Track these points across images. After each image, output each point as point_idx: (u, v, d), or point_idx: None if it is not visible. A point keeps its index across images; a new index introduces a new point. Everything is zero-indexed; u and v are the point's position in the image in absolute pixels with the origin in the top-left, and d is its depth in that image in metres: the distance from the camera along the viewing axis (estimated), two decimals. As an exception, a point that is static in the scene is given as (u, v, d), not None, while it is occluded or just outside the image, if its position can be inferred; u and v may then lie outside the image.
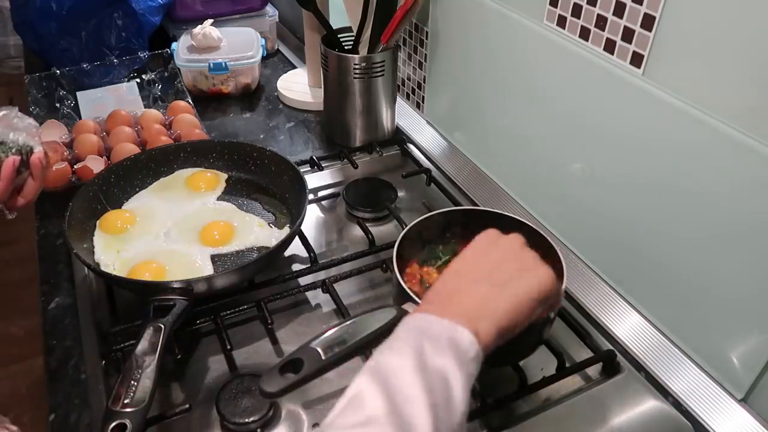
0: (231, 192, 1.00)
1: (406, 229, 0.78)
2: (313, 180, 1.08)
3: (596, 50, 0.77)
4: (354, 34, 1.13)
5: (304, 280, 0.89)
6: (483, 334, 0.50)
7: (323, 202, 1.05)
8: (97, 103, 1.30)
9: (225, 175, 1.03)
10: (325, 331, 0.60)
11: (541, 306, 0.55)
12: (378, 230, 0.98)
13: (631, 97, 0.74)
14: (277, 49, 1.60)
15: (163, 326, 0.70)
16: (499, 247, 0.58)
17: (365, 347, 0.62)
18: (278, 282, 0.87)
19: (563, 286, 0.69)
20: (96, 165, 1.05)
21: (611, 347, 0.79)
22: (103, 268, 0.84)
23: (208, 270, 0.86)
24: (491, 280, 0.54)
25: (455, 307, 0.51)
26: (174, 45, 1.40)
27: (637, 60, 0.72)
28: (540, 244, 0.75)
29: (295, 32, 1.65)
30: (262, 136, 1.26)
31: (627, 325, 0.81)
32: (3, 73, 1.81)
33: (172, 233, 0.91)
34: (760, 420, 0.69)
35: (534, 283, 0.55)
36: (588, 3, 0.76)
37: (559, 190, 0.91)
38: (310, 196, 0.99)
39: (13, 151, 0.80)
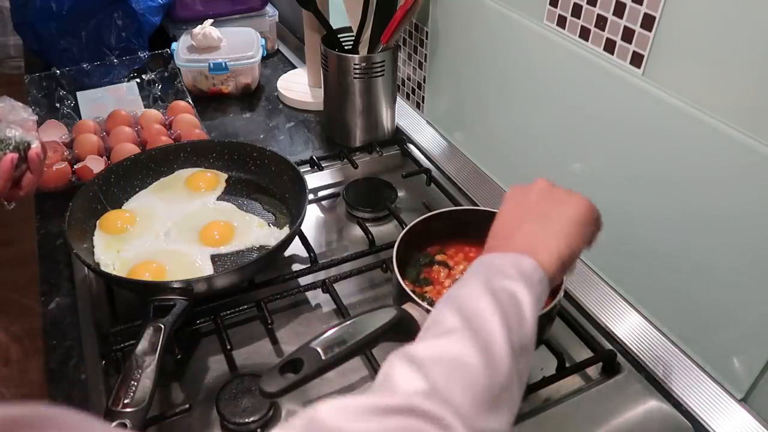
0: (231, 192, 1.00)
1: (406, 229, 0.78)
2: (313, 180, 1.08)
3: (596, 50, 0.77)
4: (354, 34, 1.13)
5: (304, 280, 0.89)
6: (544, 261, 0.53)
7: (323, 202, 1.05)
8: (97, 103, 1.30)
9: (225, 175, 1.03)
10: (325, 331, 0.60)
11: (589, 228, 0.58)
12: (378, 230, 0.98)
13: (631, 97, 0.74)
14: (277, 49, 1.60)
15: (163, 326, 0.70)
16: (530, 193, 0.61)
17: (365, 347, 0.62)
18: (278, 282, 0.87)
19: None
20: (96, 165, 1.05)
21: (611, 347, 0.79)
22: (103, 268, 0.83)
23: (208, 270, 0.86)
24: (533, 218, 0.57)
25: (512, 246, 0.55)
26: (174, 45, 1.40)
27: (637, 60, 0.72)
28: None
29: (295, 32, 1.65)
30: (262, 136, 1.26)
31: (627, 325, 0.81)
32: (3, 73, 1.81)
33: (172, 233, 0.91)
34: (760, 420, 0.69)
35: (572, 210, 0.58)
36: (588, 3, 0.76)
37: (559, 190, 0.91)
38: (310, 196, 0.99)
39: (11, 147, 0.80)
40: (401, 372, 0.43)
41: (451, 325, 0.46)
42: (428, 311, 0.66)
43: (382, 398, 0.40)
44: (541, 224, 0.56)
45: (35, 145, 0.82)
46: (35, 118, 0.86)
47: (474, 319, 0.46)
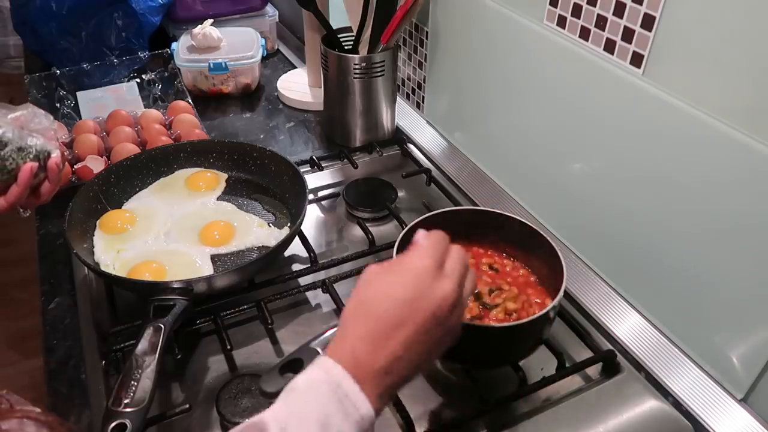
0: (231, 192, 1.00)
1: (406, 229, 0.78)
2: (313, 180, 1.08)
3: (596, 50, 0.77)
4: (354, 34, 1.13)
5: (304, 280, 0.89)
6: (381, 409, 0.50)
7: (323, 202, 1.05)
8: (97, 103, 1.30)
9: (225, 175, 1.03)
10: (325, 331, 0.60)
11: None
12: (378, 230, 0.98)
13: (631, 97, 0.74)
14: (277, 49, 1.60)
15: (163, 326, 0.70)
16: (436, 299, 0.51)
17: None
18: (278, 282, 0.87)
19: (563, 287, 0.69)
20: (96, 165, 1.05)
21: (611, 347, 0.79)
22: (103, 268, 0.83)
23: (208, 270, 0.86)
24: (415, 348, 0.50)
25: (376, 381, 0.49)
26: (174, 45, 1.40)
27: (637, 60, 0.72)
28: (540, 244, 0.75)
29: (295, 32, 1.65)
30: (262, 136, 1.26)
31: (627, 325, 0.81)
32: (3, 73, 1.81)
33: (172, 233, 0.91)
34: (760, 420, 0.69)
35: (446, 346, 0.54)
36: (588, 3, 0.76)
37: (559, 190, 0.91)
38: (310, 196, 0.99)
39: (31, 156, 0.79)
40: None
41: None
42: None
43: None
44: (414, 366, 0.51)
45: (55, 155, 0.82)
46: (56, 126, 0.86)
47: None
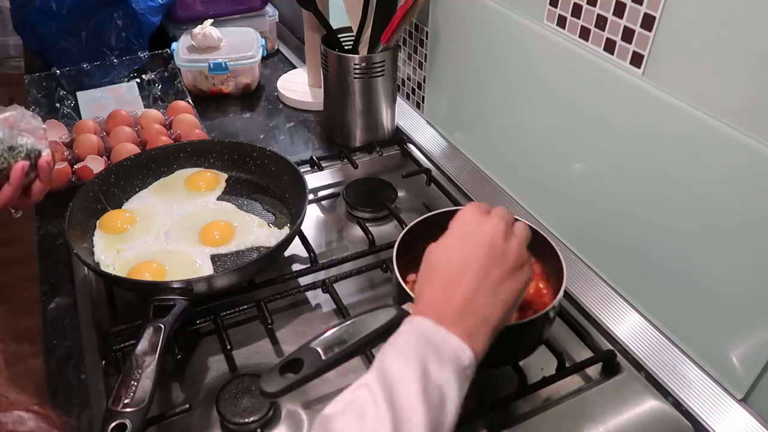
0: (231, 192, 1.00)
1: (406, 229, 0.78)
2: (313, 180, 1.08)
3: (596, 50, 0.77)
4: (354, 34, 1.13)
5: (304, 280, 0.89)
6: (480, 349, 0.53)
7: (323, 202, 1.05)
8: (97, 103, 1.30)
9: (225, 175, 1.03)
10: (325, 331, 0.60)
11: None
12: (378, 230, 0.98)
13: (631, 97, 0.74)
14: (277, 49, 1.60)
15: (163, 326, 0.70)
16: (486, 234, 0.57)
17: (365, 347, 0.61)
18: (278, 282, 0.87)
19: (563, 287, 0.69)
20: (96, 165, 1.05)
21: (611, 347, 0.79)
22: (103, 268, 0.83)
23: (208, 270, 0.86)
24: (486, 285, 0.55)
25: (459, 321, 0.53)
26: (174, 45, 1.40)
27: (637, 60, 0.72)
28: (540, 244, 0.75)
29: (295, 32, 1.65)
30: (262, 136, 1.26)
31: (627, 325, 0.81)
32: (3, 73, 1.80)
33: (172, 233, 0.91)
34: (760, 420, 0.69)
35: (521, 286, 0.57)
36: (588, 3, 0.76)
37: (559, 190, 0.91)
38: (310, 196, 0.99)
39: (22, 155, 0.80)
40: None
41: (374, 424, 0.46)
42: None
43: None
44: (490, 299, 0.54)
45: (46, 153, 0.83)
46: (45, 126, 0.86)
47: (401, 417, 0.46)
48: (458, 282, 0.55)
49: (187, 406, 0.70)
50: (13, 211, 0.83)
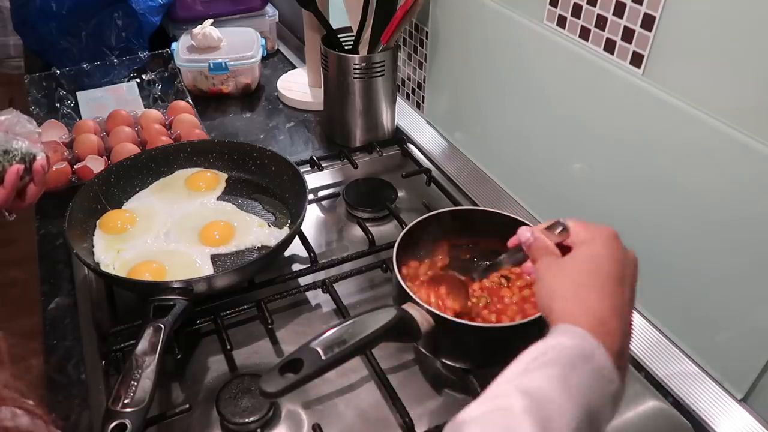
0: (231, 192, 1.00)
1: (406, 229, 0.78)
2: (313, 180, 1.08)
3: (596, 50, 0.77)
4: (354, 34, 1.13)
5: (304, 280, 0.89)
6: (623, 373, 0.48)
7: (323, 202, 1.05)
8: (97, 103, 1.30)
9: (225, 175, 1.03)
10: (325, 331, 0.60)
11: None
12: (378, 230, 0.98)
13: (631, 97, 0.74)
14: (277, 49, 1.60)
15: (163, 326, 0.70)
16: (626, 261, 0.54)
17: (365, 347, 0.62)
18: (278, 282, 0.87)
19: None
20: (96, 165, 1.05)
21: (611, 347, 0.79)
22: (103, 268, 0.84)
23: (208, 270, 0.86)
24: (624, 308, 0.51)
25: (617, 343, 0.48)
26: (174, 45, 1.40)
27: (637, 60, 0.72)
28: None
29: (295, 32, 1.65)
30: (262, 136, 1.26)
31: (627, 325, 0.81)
32: (3, 73, 1.80)
33: (172, 233, 0.91)
34: (760, 420, 0.69)
35: (633, 297, 0.54)
36: (588, 3, 0.76)
37: (559, 190, 0.91)
38: (310, 196, 0.99)
39: (17, 159, 0.81)
40: None
41: None
42: (429, 312, 0.66)
43: None
44: (626, 320, 0.51)
45: (40, 157, 0.83)
46: (40, 130, 0.87)
47: None
48: (615, 293, 0.51)
49: (187, 406, 0.70)
50: (7, 214, 0.84)
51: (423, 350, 0.74)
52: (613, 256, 0.52)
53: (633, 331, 0.53)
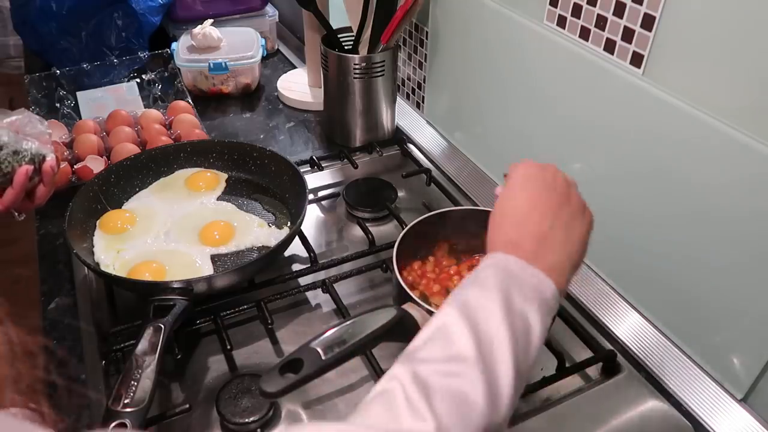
0: (231, 192, 1.00)
1: (406, 229, 0.78)
2: (313, 180, 1.08)
3: (596, 50, 0.77)
4: (354, 34, 1.13)
5: (304, 280, 0.89)
6: (562, 284, 0.52)
7: (323, 202, 1.05)
8: (97, 103, 1.30)
9: (225, 175, 1.03)
10: (325, 331, 0.60)
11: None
12: (378, 230, 0.98)
13: (631, 97, 0.74)
14: (277, 49, 1.60)
15: (163, 326, 0.70)
16: (552, 185, 0.58)
17: (365, 347, 0.62)
18: (278, 282, 0.87)
19: None
20: (96, 165, 1.05)
21: (611, 347, 0.79)
22: (103, 268, 0.84)
23: (208, 270, 0.86)
24: (559, 226, 0.55)
25: (538, 256, 0.52)
26: (174, 45, 1.40)
27: (637, 60, 0.72)
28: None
29: (295, 32, 1.65)
30: (262, 136, 1.26)
31: (627, 325, 0.81)
32: (3, 73, 1.80)
33: (172, 233, 0.91)
34: (760, 420, 0.69)
35: (588, 228, 0.58)
36: (588, 3, 0.76)
37: (559, 190, 0.91)
38: (310, 196, 0.99)
39: (27, 159, 0.81)
40: (407, 396, 0.43)
41: (464, 351, 0.45)
42: (429, 312, 0.66)
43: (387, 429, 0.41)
44: (566, 236, 0.54)
45: (50, 158, 0.84)
46: (50, 131, 0.87)
47: (488, 353, 0.45)
48: (530, 220, 0.55)
49: (187, 406, 0.70)
50: (16, 214, 0.84)
51: (423, 350, 0.73)
52: (523, 189, 0.58)
53: (586, 250, 0.57)
